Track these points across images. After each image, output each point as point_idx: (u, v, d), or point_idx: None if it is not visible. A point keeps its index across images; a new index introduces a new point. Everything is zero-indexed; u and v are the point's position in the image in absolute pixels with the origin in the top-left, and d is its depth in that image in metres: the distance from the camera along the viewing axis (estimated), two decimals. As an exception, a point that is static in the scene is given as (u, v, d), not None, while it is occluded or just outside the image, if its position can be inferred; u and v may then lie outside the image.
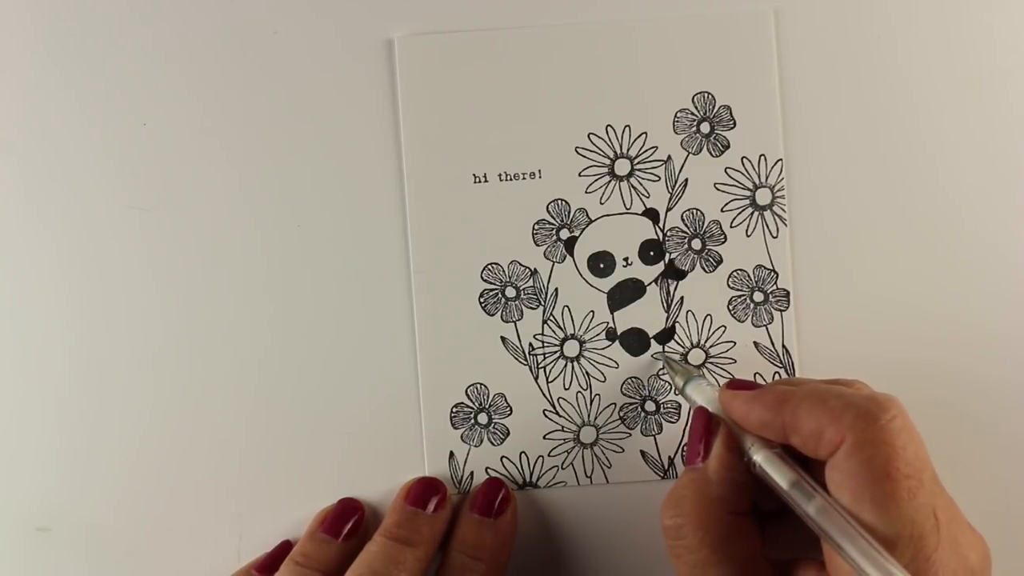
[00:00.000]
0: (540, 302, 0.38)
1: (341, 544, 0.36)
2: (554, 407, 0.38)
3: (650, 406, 0.38)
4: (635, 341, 0.38)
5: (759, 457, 0.30)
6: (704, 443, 0.31)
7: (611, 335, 0.38)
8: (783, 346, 0.38)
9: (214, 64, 0.38)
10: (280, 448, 0.38)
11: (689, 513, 0.30)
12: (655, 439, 0.38)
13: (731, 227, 0.38)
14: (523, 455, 0.38)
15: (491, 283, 0.38)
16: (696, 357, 0.38)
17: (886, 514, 0.26)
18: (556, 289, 0.38)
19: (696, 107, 0.38)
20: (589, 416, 0.38)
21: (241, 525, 0.38)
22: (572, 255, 0.38)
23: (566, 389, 0.38)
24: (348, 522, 0.36)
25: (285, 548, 0.37)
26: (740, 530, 0.30)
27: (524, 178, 0.38)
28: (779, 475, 0.29)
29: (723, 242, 0.38)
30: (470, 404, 0.38)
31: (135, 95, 0.38)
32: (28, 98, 0.38)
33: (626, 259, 0.38)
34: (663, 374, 0.38)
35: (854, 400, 0.28)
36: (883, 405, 0.27)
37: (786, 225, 0.38)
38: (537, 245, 0.38)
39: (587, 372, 0.38)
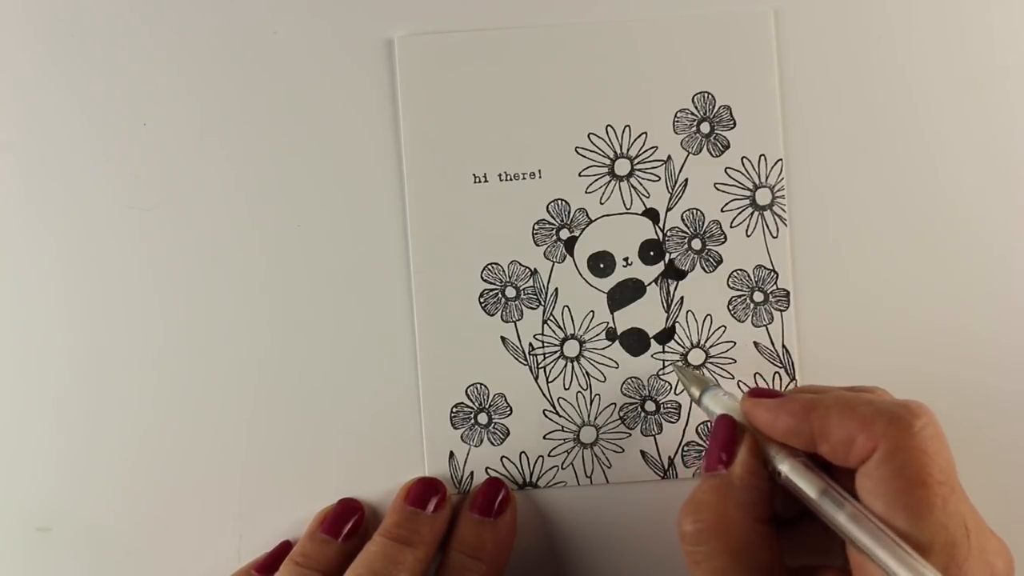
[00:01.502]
0: (540, 302, 0.38)
1: (341, 544, 0.36)
2: (554, 407, 0.38)
3: (650, 406, 0.38)
4: (635, 341, 0.38)
5: (785, 466, 0.29)
6: (727, 450, 0.31)
7: (611, 335, 0.38)
8: (783, 346, 0.38)
9: (214, 64, 0.38)
10: (280, 448, 0.38)
11: (710, 519, 0.29)
12: (655, 439, 0.38)
13: (731, 227, 0.38)
14: (523, 455, 0.38)
15: (491, 283, 0.38)
16: (696, 357, 0.38)
17: (921, 521, 0.26)
18: (556, 289, 0.38)
19: (696, 107, 0.38)
20: (589, 416, 0.38)
21: (241, 525, 0.38)
22: (572, 255, 0.38)
23: (566, 389, 0.38)
24: (348, 522, 0.36)
25: (285, 548, 0.37)
26: (761, 538, 0.29)
27: (524, 178, 0.38)
28: (807, 484, 0.29)
29: (723, 242, 0.38)
30: (470, 404, 0.38)
31: (135, 95, 0.38)
32: (28, 98, 0.38)
33: (626, 259, 0.38)
34: (663, 374, 0.38)
35: (885, 407, 0.28)
36: (915, 412, 0.27)
37: (786, 225, 0.38)
38: (537, 245, 0.38)
39: (587, 372, 0.38)
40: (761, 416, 0.30)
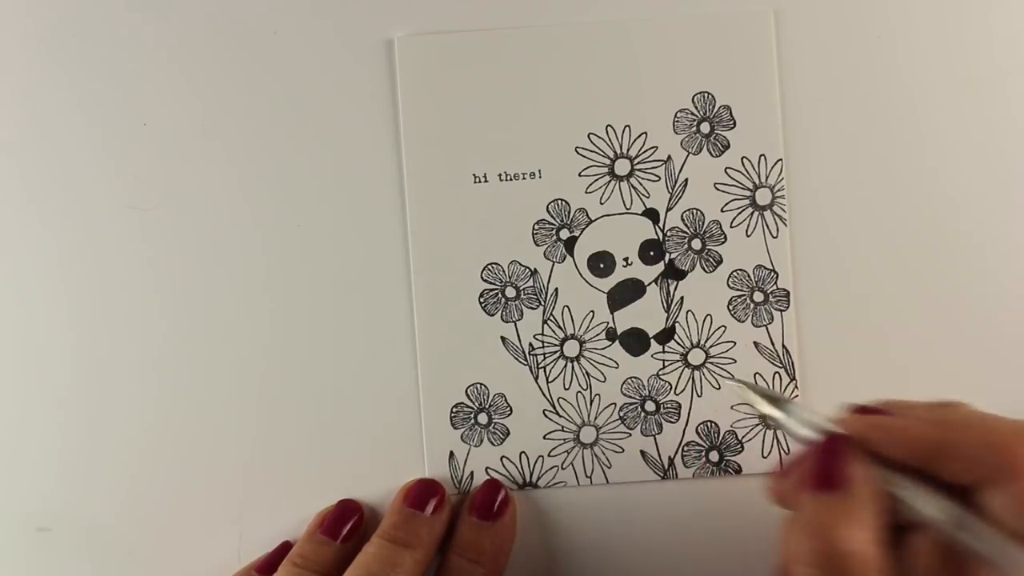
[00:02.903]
0: (540, 302, 0.38)
1: (340, 545, 0.36)
2: (554, 407, 0.38)
3: (650, 406, 0.38)
4: (635, 341, 0.38)
5: (907, 491, 0.28)
6: (842, 467, 0.28)
7: (611, 335, 0.38)
8: (783, 346, 0.38)
9: (214, 64, 0.38)
10: (280, 448, 0.38)
11: (829, 543, 0.26)
12: (655, 439, 0.38)
13: (731, 227, 0.38)
14: (523, 455, 0.38)
15: (491, 283, 0.38)
16: (696, 357, 0.38)
17: None
18: (556, 289, 0.38)
19: (696, 107, 0.38)
20: (589, 416, 0.38)
21: (241, 525, 0.38)
22: (572, 255, 0.38)
23: (566, 389, 0.38)
24: (347, 523, 0.36)
25: (285, 548, 0.37)
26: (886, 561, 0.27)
27: (524, 178, 0.38)
28: (932, 507, 0.27)
29: (723, 242, 0.38)
30: (470, 404, 0.38)
31: (135, 95, 0.38)
32: (28, 98, 0.38)
33: (626, 259, 0.38)
34: (663, 374, 0.38)
35: (1017, 427, 0.27)
36: None
37: (786, 225, 0.38)
38: (537, 245, 0.38)
39: (587, 372, 0.38)
40: (882, 436, 0.28)
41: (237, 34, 0.38)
